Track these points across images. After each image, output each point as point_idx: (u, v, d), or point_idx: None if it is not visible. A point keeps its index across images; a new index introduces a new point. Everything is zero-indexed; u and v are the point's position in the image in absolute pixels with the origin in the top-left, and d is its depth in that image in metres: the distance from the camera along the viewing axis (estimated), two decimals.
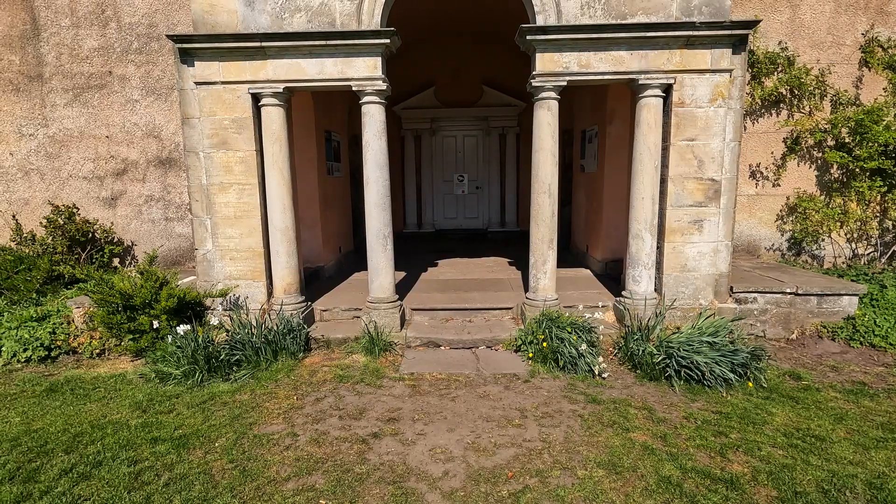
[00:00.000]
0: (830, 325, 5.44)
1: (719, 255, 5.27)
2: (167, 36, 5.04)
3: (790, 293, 5.51)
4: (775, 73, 7.09)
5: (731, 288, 5.49)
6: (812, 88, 7.06)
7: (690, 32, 4.78)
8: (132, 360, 5.05)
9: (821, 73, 7.02)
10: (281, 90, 5.06)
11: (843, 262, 7.39)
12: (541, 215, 5.24)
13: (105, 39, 7.30)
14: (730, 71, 4.94)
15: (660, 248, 5.33)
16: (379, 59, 4.98)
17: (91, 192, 7.68)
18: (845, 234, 7.38)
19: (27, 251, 7.17)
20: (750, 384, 4.21)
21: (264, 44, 4.88)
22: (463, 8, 8.03)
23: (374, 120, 5.12)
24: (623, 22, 4.87)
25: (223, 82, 5.06)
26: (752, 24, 4.88)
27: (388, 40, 4.91)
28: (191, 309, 5.17)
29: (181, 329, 4.60)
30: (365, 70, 4.99)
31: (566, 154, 8.74)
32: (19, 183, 7.66)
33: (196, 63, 5.03)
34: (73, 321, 5.41)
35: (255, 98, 5.14)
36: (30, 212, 7.66)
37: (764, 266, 6.77)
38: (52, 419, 3.82)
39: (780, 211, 7.47)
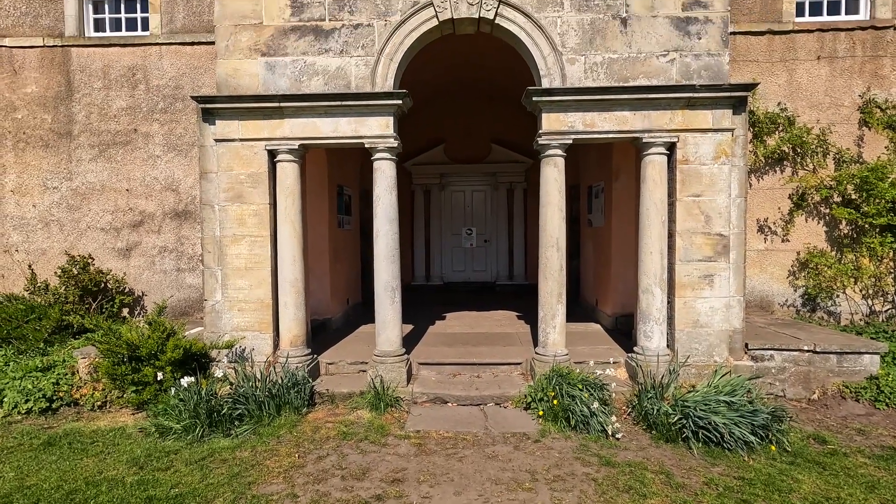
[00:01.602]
0: (853, 385, 5.23)
1: (732, 310, 5.19)
2: (192, 97, 5.33)
3: (808, 351, 5.36)
4: (776, 133, 7.27)
5: (747, 345, 5.35)
6: (814, 147, 7.19)
7: (691, 94, 4.96)
8: (133, 413, 4.95)
9: (822, 132, 7.18)
10: (296, 147, 5.26)
11: (861, 320, 7.22)
12: (549, 269, 5.24)
13: (133, 100, 7.73)
14: (731, 130, 5.08)
15: (670, 303, 5.26)
16: (391, 118, 5.20)
17: (107, 242, 7.85)
18: (860, 291, 7.26)
19: (39, 300, 7.25)
20: (773, 448, 4.01)
21: (283, 104, 5.13)
22: (471, 71, 8.45)
23: (384, 175, 5.27)
24: (625, 84, 5.08)
25: (242, 139, 5.28)
26: (750, 87, 5.06)
27: (399, 101, 5.14)
28: (196, 360, 5.12)
29: (185, 381, 4.53)
30: (377, 129, 5.20)
31: (573, 208, 8.86)
32: (39, 233, 7.87)
33: (217, 122, 5.28)
34: (78, 372, 5.37)
35: (271, 154, 5.33)
36: (46, 261, 7.81)
37: (779, 322, 6.63)
38: (46, 475, 3.71)
39: (792, 266, 7.40)
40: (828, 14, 7.34)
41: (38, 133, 7.78)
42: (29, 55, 7.69)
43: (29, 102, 7.75)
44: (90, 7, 7.79)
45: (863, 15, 7.23)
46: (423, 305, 9.06)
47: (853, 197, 7.12)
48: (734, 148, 5.11)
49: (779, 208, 7.40)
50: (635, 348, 5.35)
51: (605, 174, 7.29)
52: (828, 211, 7.30)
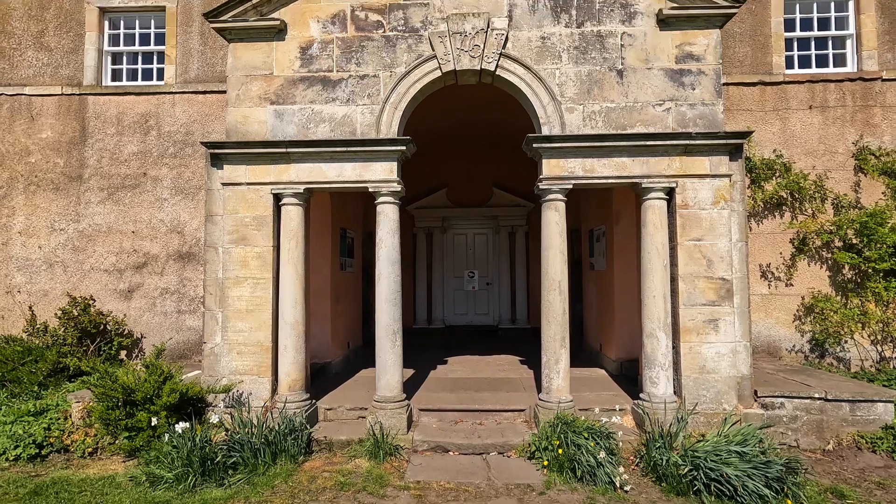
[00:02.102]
0: (868, 435, 5.05)
1: (739, 356, 5.10)
2: (202, 143, 5.48)
3: (819, 398, 5.21)
4: (774, 178, 7.38)
5: (756, 392, 5.22)
6: (812, 192, 7.29)
7: (688, 142, 5.08)
8: (125, 461, 4.79)
9: (818, 178, 7.30)
10: (301, 191, 5.35)
11: (871, 366, 7.07)
12: (552, 313, 5.20)
13: (144, 145, 7.95)
14: (728, 176, 5.16)
15: (675, 348, 5.18)
16: (395, 163, 5.32)
17: (109, 284, 7.86)
18: (869, 336, 7.15)
19: (37, 342, 7.18)
20: (788, 502, 3.83)
21: (290, 150, 5.26)
22: (473, 118, 8.71)
23: (388, 219, 5.33)
24: (623, 132, 5.22)
25: (248, 183, 5.39)
26: (745, 135, 5.19)
27: (403, 147, 5.28)
28: (192, 405, 5.00)
29: (179, 427, 4.41)
30: (381, 174, 5.31)
31: (575, 251, 8.89)
32: (42, 274, 7.90)
33: (225, 166, 5.40)
34: (71, 416, 5.24)
35: (277, 198, 5.42)
36: (48, 303, 7.80)
37: (787, 369, 6.49)
38: None
39: (797, 311, 7.33)
40: (816, 66, 7.62)
41: (50, 176, 7.96)
42: (47, 102, 7.99)
43: (43, 147, 7.97)
44: (109, 59, 8.15)
45: (850, 67, 7.51)
46: (424, 349, 8.93)
47: (854, 241, 7.14)
48: (733, 193, 5.18)
49: (780, 253, 7.41)
50: (641, 395, 5.22)
51: (605, 218, 7.36)
52: (830, 255, 7.30)
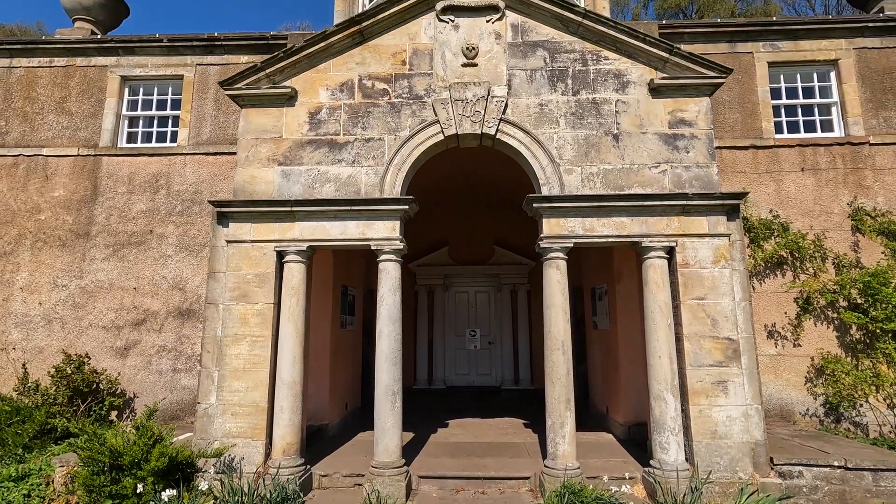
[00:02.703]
0: None
1: (751, 420, 4.91)
2: (209, 201, 5.61)
3: (839, 467, 4.96)
4: (772, 238, 7.45)
5: (772, 459, 4.98)
6: (812, 252, 7.33)
7: (685, 202, 5.19)
8: None
9: (816, 237, 7.36)
10: (305, 248, 5.41)
11: (890, 431, 6.79)
12: (555, 373, 5.08)
13: (153, 203, 8.13)
14: (727, 235, 5.22)
15: (685, 412, 5.00)
16: (397, 222, 5.40)
17: (106, 341, 7.76)
18: (884, 400, 6.92)
19: (27, 401, 6.98)
20: None
21: (295, 208, 5.38)
22: (474, 177, 8.95)
23: (389, 276, 5.34)
24: (621, 193, 5.34)
25: (252, 241, 5.45)
26: (740, 196, 5.31)
27: (406, 207, 5.39)
28: (181, 470, 4.78)
29: (165, 495, 4.19)
30: (384, 232, 5.38)
31: (577, 309, 8.81)
32: (40, 331, 7.82)
33: (230, 224, 5.50)
34: (53, 482, 5.00)
35: (280, 255, 5.47)
36: (42, 360, 7.66)
37: (803, 434, 6.23)
38: None
39: (808, 373, 7.15)
40: (805, 131, 7.91)
41: (58, 233, 8.09)
42: (63, 163, 8.27)
43: (54, 205, 8.16)
44: (126, 122, 8.53)
45: (837, 132, 7.79)
46: (424, 411, 8.64)
47: (859, 301, 7.09)
48: (733, 252, 5.21)
49: (785, 312, 7.34)
50: (652, 462, 4.98)
51: (607, 276, 7.36)
52: (836, 315, 7.22)
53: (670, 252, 5.27)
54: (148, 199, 8.15)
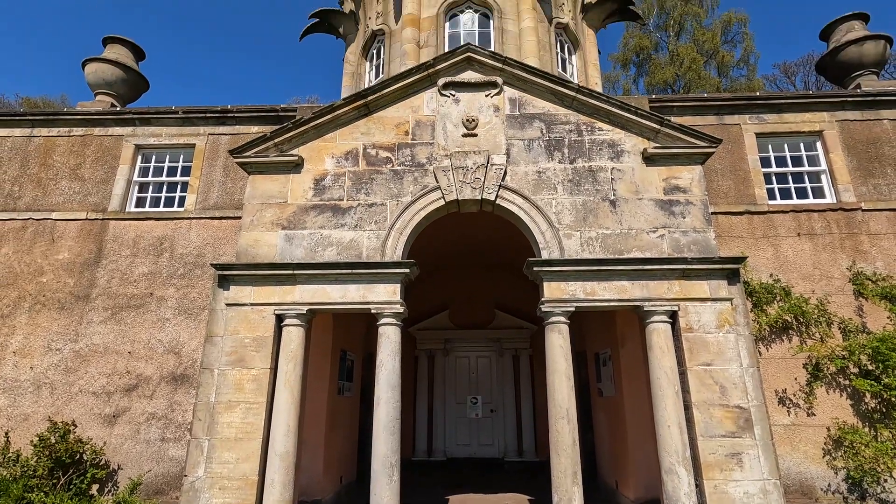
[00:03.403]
0: None
1: (770, 496, 4.63)
2: (212, 264, 5.65)
3: None
4: (775, 302, 7.40)
5: None
6: (816, 317, 7.24)
7: (684, 266, 5.22)
8: None
9: (819, 302, 7.31)
10: (305, 312, 5.37)
11: None
12: (561, 444, 4.86)
13: (156, 266, 8.18)
14: (729, 300, 5.20)
15: (699, 487, 4.73)
16: (398, 285, 5.41)
17: (95, 408, 7.50)
18: None
19: (6, 473, 6.63)
20: None
21: (296, 272, 5.40)
22: (475, 241, 9.06)
23: (389, 341, 5.26)
24: (620, 257, 5.39)
25: (252, 304, 5.43)
26: (739, 260, 5.34)
27: (407, 270, 5.42)
28: None
29: None
30: (385, 295, 5.37)
31: (581, 375, 8.58)
32: (28, 397, 7.58)
33: (231, 287, 5.50)
34: None
35: (279, 319, 5.42)
36: (27, 427, 7.36)
37: None
38: None
39: (825, 444, 6.82)
40: (798, 198, 8.09)
41: (58, 296, 8.07)
42: (70, 226, 8.41)
43: (57, 268, 8.20)
44: (136, 187, 8.78)
45: (829, 199, 7.97)
46: (424, 486, 8.17)
47: (870, 367, 6.91)
48: (736, 317, 5.16)
49: (795, 378, 7.14)
50: None
51: (610, 341, 7.24)
52: (848, 382, 7.01)
53: (673, 316, 5.22)
54: (151, 261, 8.21)
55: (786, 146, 8.29)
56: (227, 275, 5.52)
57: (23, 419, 7.47)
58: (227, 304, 5.45)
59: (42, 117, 9.05)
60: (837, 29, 9.54)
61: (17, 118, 9.04)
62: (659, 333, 5.14)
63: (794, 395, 7.07)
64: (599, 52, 11.33)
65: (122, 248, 8.29)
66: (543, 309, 5.31)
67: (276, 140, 5.94)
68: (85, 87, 10.17)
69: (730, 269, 5.27)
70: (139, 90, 10.36)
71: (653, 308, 5.18)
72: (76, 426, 7.22)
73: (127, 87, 9.98)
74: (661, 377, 4.98)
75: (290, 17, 46.21)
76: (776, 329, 7.34)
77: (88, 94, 10.10)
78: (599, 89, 10.33)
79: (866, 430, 6.78)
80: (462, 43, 7.40)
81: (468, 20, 9.53)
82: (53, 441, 6.86)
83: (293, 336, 5.33)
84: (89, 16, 44.96)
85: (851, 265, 7.49)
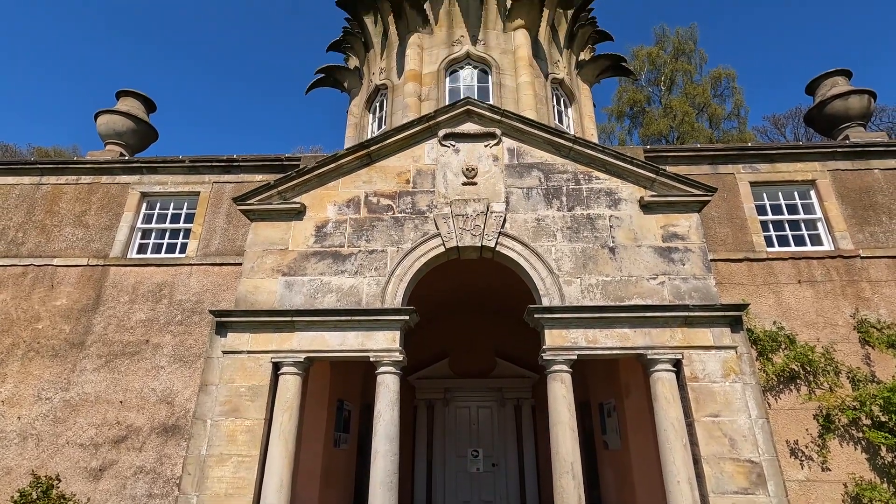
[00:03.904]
0: None
1: None
2: (210, 311, 5.61)
3: None
4: (780, 351, 7.28)
5: None
6: (823, 365, 7.11)
7: (686, 313, 5.17)
8: None
9: (825, 350, 7.19)
10: (302, 360, 5.28)
11: None
12: (566, 501, 4.64)
13: (154, 312, 8.11)
14: (734, 348, 5.12)
15: None
16: (398, 333, 5.35)
17: (81, 461, 7.22)
18: None
19: None
20: None
21: (295, 318, 5.36)
22: (475, 288, 9.04)
23: (388, 390, 5.14)
24: (621, 304, 5.35)
25: (249, 352, 5.35)
26: (741, 307, 5.31)
27: (407, 317, 5.37)
28: None
29: None
30: (384, 342, 5.30)
31: (586, 426, 8.32)
32: (13, 449, 7.31)
33: (229, 334, 5.44)
34: None
35: (276, 367, 5.33)
36: (9, 482, 7.05)
37: None
38: None
39: (844, 501, 6.51)
40: (795, 245, 8.14)
41: (52, 343, 7.95)
42: (70, 272, 8.42)
43: (54, 314, 8.14)
44: (139, 234, 8.85)
45: (827, 246, 8.01)
46: None
47: (883, 419, 6.70)
48: (741, 366, 5.07)
49: (807, 430, 6.91)
50: None
51: (614, 390, 7.07)
52: (861, 435, 6.78)
53: (677, 365, 5.13)
54: (149, 308, 8.15)
55: (780, 194, 8.43)
56: (225, 321, 5.47)
57: (5, 472, 7.18)
58: (224, 352, 5.37)
59: (51, 166, 9.27)
60: (822, 84, 9.95)
61: (27, 167, 9.26)
62: (663, 383, 5.02)
63: (807, 448, 6.82)
64: (594, 105, 11.77)
65: (121, 295, 8.26)
66: (545, 357, 5.22)
67: (279, 188, 6.05)
68: (96, 138, 10.48)
69: (732, 317, 5.23)
70: (148, 140, 10.67)
71: (656, 356, 5.09)
72: (60, 480, 6.93)
73: (137, 137, 10.28)
74: (668, 429, 4.83)
75: (297, 70, 48.36)
76: (783, 378, 7.19)
77: (99, 144, 10.40)
78: (595, 140, 10.65)
79: (885, 485, 6.50)
80: (462, 96, 7.69)
81: (468, 75, 9.95)
82: (35, 497, 6.56)
83: (290, 385, 5.21)
84: (104, 68, 47.02)
85: (855, 312, 7.43)
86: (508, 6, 10.12)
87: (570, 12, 10.99)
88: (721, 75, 25.30)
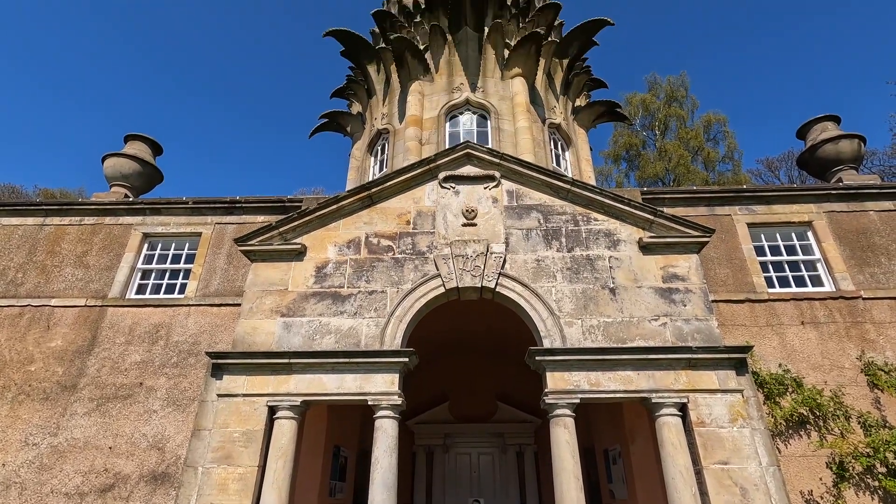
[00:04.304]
0: None
1: None
2: (206, 353, 5.53)
3: None
4: (787, 394, 7.12)
5: None
6: (833, 410, 6.93)
7: (690, 356, 5.09)
8: None
9: (834, 394, 7.03)
10: (298, 403, 5.16)
11: None
12: None
13: (149, 354, 7.99)
14: (740, 391, 5.01)
15: None
16: (397, 375, 5.25)
17: None
18: None
19: None
20: None
21: (293, 360, 5.27)
22: (475, 330, 8.94)
23: (386, 435, 4.99)
24: (623, 346, 5.28)
25: (244, 395, 5.23)
26: (746, 349, 5.23)
27: (406, 359, 5.29)
28: None
29: None
30: (383, 385, 5.19)
31: (591, 473, 8.02)
32: None
33: (224, 377, 5.33)
34: None
35: (272, 411, 5.19)
36: None
37: None
38: None
39: None
40: (796, 286, 8.12)
41: (44, 385, 7.79)
42: (67, 313, 8.35)
43: (48, 355, 8.01)
44: (139, 274, 8.84)
45: (828, 287, 7.99)
46: None
47: None
48: (749, 410, 4.95)
49: (820, 479, 6.65)
50: None
51: (619, 436, 6.87)
52: (877, 483, 6.53)
53: (683, 409, 5.00)
54: (145, 349, 8.03)
55: (778, 236, 8.48)
56: (222, 363, 5.38)
57: None
58: (219, 395, 5.25)
59: (56, 207, 9.37)
60: (812, 128, 10.22)
61: (32, 207, 9.36)
62: (670, 428, 4.88)
63: (822, 499, 6.54)
64: (591, 149, 12.05)
65: (117, 336, 8.16)
66: (547, 401, 5.10)
67: (280, 229, 6.10)
68: (103, 180, 10.66)
69: (737, 359, 5.15)
70: (153, 182, 10.85)
71: (661, 400, 4.98)
72: None
73: (142, 179, 10.46)
74: (677, 477, 4.65)
75: (301, 114, 49.82)
76: (792, 423, 6.99)
77: (106, 186, 10.56)
78: (593, 182, 10.83)
79: None
80: (461, 140, 7.89)
81: (467, 120, 10.24)
82: None
83: (285, 430, 5.06)
84: (114, 112, 48.44)
85: (861, 355, 7.31)
86: (506, 56, 10.54)
87: (565, 61, 11.44)
88: (712, 120, 26.05)
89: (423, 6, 10.91)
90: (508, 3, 10.81)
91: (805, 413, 7.02)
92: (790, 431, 6.96)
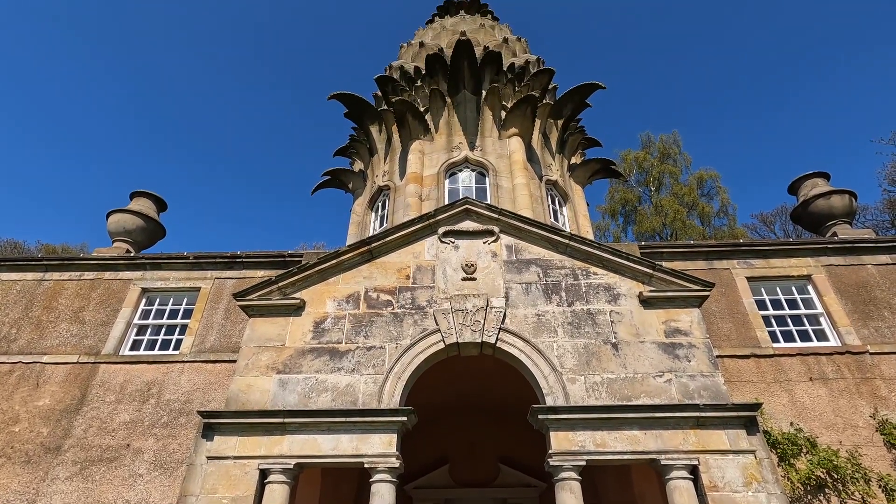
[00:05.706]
0: None
1: None
2: (198, 412, 5.35)
3: None
4: (802, 455, 6.83)
5: None
6: (851, 472, 6.61)
7: (697, 414, 4.93)
8: None
9: (850, 455, 6.74)
10: (291, 466, 4.93)
11: None
12: None
13: (139, 413, 7.72)
14: (752, 452, 4.81)
15: None
16: (395, 435, 5.05)
17: None
18: None
19: None
20: None
21: (287, 420, 5.09)
22: (476, 388, 8.69)
23: (383, 501, 4.74)
24: (628, 403, 5.12)
25: (235, 457, 5.00)
26: (755, 407, 5.07)
27: (405, 418, 5.11)
28: None
29: None
30: (380, 446, 4.98)
31: None
32: None
33: (215, 437, 5.13)
34: None
35: (263, 474, 4.95)
36: None
37: None
38: None
39: None
40: (801, 340, 7.98)
41: (27, 448, 7.47)
42: (58, 370, 8.15)
43: (34, 415, 7.74)
44: (134, 330, 8.72)
45: (833, 342, 7.86)
46: None
47: None
48: (763, 472, 4.72)
49: None
50: None
51: (628, 501, 6.51)
52: None
53: (694, 472, 4.77)
54: (135, 408, 7.77)
55: (778, 289, 8.46)
56: (213, 423, 5.18)
57: None
58: (209, 458, 5.02)
59: (56, 262, 9.40)
60: (803, 185, 10.47)
61: (32, 262, 9.39)
62: (681, 492, 4.64)
63: None
64: (588, 204, 12.28)
65: (108, 394, 7.93)
66: (552, 463, 4.88)
67: (279, 284, 6.09)
68: (106, 236, 10.76)
69: (746, 417, 4.97)
70: (156, 237, 10.96)
71: (670, 462, 4.76)
72: None
73: (145, 234, 10.58)
74: None
75: (302, 170, 51.17)
76: (811, 487, 6.64)
77: (109, 242, 10.65)
78: (591, 237, 10.95)
79: None
80: (460, 196, 8.05)
81: (466, 177, 10.51)
82: None
83: (276, 495, 4.80)
84: (119, 170, 49.73)
85: (874, 412, 7.08)
86: (503, 117, 10.98)
87: (560, 122, 11.91)
88: (704, 177, 26.71)
89: (423, 71, 11.50)
90: (504, 69, 11.39)
91: (823, 476, 6.69)
92: (809, 497, 6.61)
